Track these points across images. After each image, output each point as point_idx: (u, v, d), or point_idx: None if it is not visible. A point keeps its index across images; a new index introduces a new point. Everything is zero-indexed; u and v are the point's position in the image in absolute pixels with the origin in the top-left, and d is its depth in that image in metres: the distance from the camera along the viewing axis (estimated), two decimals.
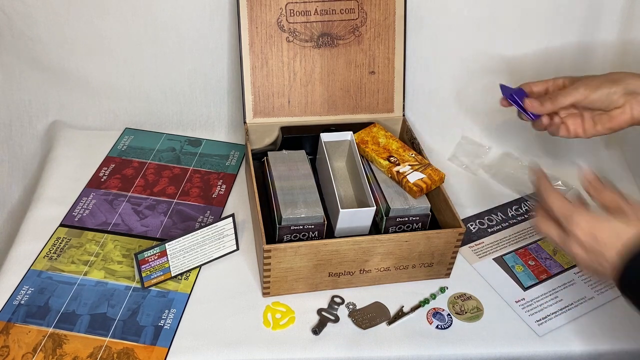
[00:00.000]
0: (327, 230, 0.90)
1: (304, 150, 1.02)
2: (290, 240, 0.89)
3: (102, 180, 1.06)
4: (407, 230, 0.93)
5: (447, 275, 0.94)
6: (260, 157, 1.03)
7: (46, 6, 1.02)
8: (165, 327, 0.83)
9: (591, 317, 0.89)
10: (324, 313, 0.87)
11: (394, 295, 0.90)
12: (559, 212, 0.71)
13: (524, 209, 1.08)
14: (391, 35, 1.04)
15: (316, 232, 0.89)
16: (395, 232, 0.92)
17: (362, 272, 0.89)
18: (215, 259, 0.93)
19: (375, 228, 0.95)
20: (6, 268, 0.89)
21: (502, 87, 0.92)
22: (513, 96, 0.90)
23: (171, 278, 0.90)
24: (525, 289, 0.93)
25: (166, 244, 0.86)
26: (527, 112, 0.89)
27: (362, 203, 0.94)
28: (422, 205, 0.93)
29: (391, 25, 1.04)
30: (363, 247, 0.85)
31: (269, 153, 1.00)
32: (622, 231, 0.67)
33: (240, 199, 1.05)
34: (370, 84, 1.05)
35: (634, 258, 0.66)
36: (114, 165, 1.09)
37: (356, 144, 1.00)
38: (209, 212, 1.02)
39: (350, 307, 0.88)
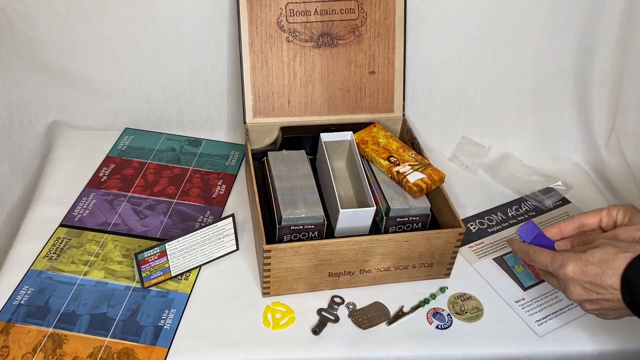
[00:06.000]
0: (327, 230, 0.90)
1: (304, 150, 1.02)
2: (290, 240, 0.89)
3: (102, 180, 1.06)
4: (407, 230, 0.93)
5: (447, 275, 0.94)
6: (260, 157, 1.03)
7: (46, 6, 1.02)
8: (165, 327, 0.83)
9: (591, 317, 0.89)
10: (324, 313, 0.87)
11: (394, 295, 0.90)
12: (549, 266, 0.75)
13: (524, 209, 1.08)
14: (391, 35, 1.04)
15: (316, 232, 0.89)
16: (395, 232, 0.92)
17: (362, 272, 0.89)
18: (215, 259, 0.93)
19: (375, 228, 0.95)
20: (6, 268, 0.89)
21: (527, 228, 0.82)
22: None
23: (171, 278, 0.90)
24: (525, 289, 0.93)
25: (166, 244, 0.86)
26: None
27: (362, 203, 0.94)
28: (422, 205, 0.93)
29: (391, 25, 1.04)
30: (363, 247, 0.85)
31: (269, 153, 1.00)
32: (610, 255, 0.68)
33: (240, 199, 1.05)
34: (370, 84, 1.05)
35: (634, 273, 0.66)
36: (114, 165, 1.09)
37: (356, 144, 1.00)
38: (209, 212, 1.01)
39: (350, 307, 0.88)
